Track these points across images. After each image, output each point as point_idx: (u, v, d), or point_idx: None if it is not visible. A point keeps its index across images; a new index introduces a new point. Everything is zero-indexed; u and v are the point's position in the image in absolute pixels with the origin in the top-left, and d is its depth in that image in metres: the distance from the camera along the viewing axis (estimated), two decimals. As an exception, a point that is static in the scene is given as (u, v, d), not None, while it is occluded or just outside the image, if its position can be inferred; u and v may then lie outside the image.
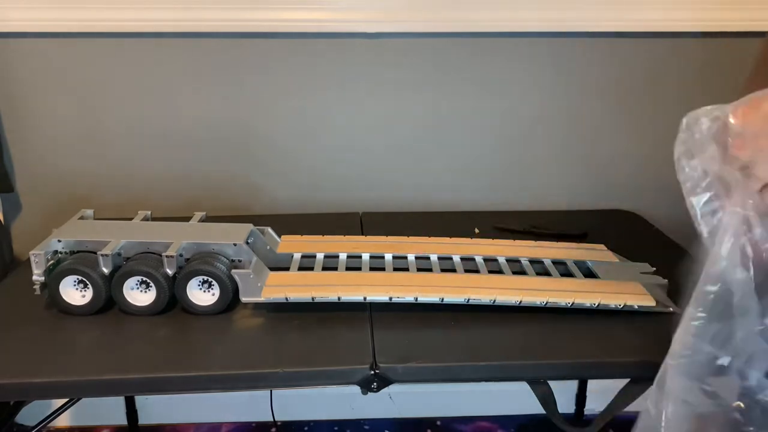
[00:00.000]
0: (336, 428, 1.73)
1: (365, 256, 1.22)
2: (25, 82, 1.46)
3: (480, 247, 1.27)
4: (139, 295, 1.08)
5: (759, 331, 0.69)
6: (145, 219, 1.26)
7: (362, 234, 1.41)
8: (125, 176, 1.54)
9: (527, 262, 1.23)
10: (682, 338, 0.73)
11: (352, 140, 1.55)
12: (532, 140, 1.57)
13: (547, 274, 1.20)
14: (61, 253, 1.12)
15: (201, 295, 1.09)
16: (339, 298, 1.07)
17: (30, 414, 1.51)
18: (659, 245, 1.40)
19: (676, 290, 1.16)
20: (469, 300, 1.07)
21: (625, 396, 1.06)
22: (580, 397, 1.76)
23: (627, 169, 1.61)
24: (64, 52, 1.45)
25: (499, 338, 1.03)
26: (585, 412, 1.77)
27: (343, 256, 1.22)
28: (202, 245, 1.12)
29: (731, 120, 0.71)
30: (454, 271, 1.18)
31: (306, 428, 1.73)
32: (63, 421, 1.72)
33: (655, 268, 1.22)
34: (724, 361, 0.72)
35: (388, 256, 1.22)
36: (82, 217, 1.23)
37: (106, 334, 1.03)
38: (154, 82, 1.48)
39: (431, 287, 1.09)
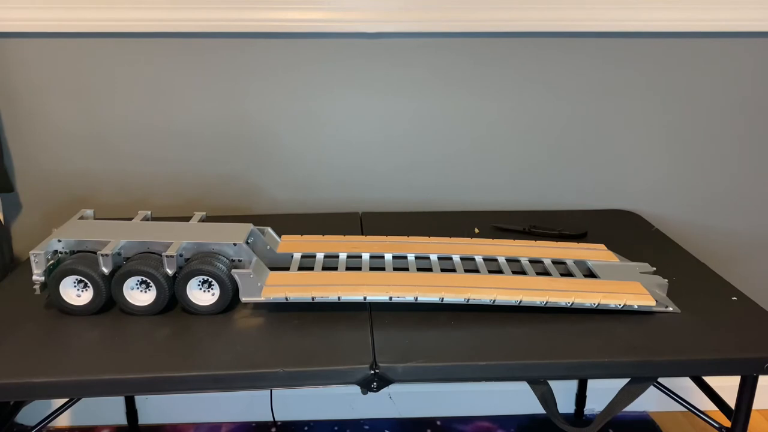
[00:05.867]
0: (336, 428, 1.73)
1: (365, 256, 1.22)
2: (25, 82, 1.46)
3: (480, 247, 1.27)
4: (139, 295, 1.08)
5: None
6: (145, 219, 1.26)
7: (362, 234, 1.41)
8: (125, 176, 1.55)
9: (527, 262, 1.23)
10: None
11: (352, 140, 1.55)
12: (532, 140, 1.57)
13: (546, 274, 1.20)
14: (61, 253, 1.12)
15: (201, 295, 1.09)
16: (339, 298, 1.07)
17: (30, 414, 1.52)
18: (659, 245, 1.40)
19: (676, 290, 1.17)
20: (469, 300, 1.07)
21: (625, 396, 1.06)
22: (580, 397, 1.76)
23: (627, 169, 1.61)
24: (64, 52, 1.45)
25: (499, 338, 1.03)
26: (585, 412, 1.77)
27: (343, 256, 1.23)
28: (202, 245, 1.12)
29: None
30: (454, 271, 1.19)
31: (306, 428, 1.73)
32: (63, 421, 1.72)
33: (655, 268, 1.22)
34: None
35: (388, 256, 1.22)
36: (82, 217, 1.23)
37: (106, 334, 1.03)
38: (154, 82, 1.49)
39: (431, 287, 1.09)
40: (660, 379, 1.30)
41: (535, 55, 1.51)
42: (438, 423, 1.76)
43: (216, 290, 1.08)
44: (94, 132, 1.51)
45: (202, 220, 1.26)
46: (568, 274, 1.21)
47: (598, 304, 1.09)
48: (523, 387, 1.05)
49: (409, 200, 1.61)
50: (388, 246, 1.26)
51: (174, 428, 1.73)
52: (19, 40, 1.43)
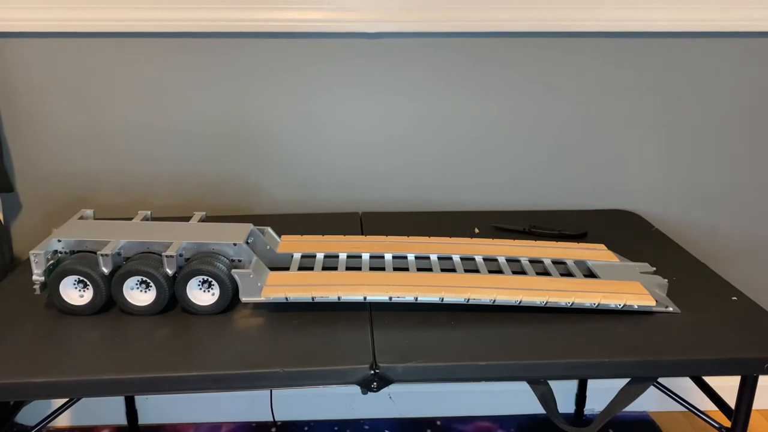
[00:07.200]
0: (336, 428, 1.73)
1: (365, 256, 1.22)
2: (25, 82, 1.46)
3: (480, 247, 1.27)
4: (139, 295, 1.08)
5: None
6: (145, 219, 1.26)
7: (362, 234, 1.41)
8: (125, 176, 1.55)
9: (527, 262, 1.23)
10: None
11: (352, 140, 1.55)
12: (532, 140, 1.57)
13: (546, 274, 1.20)
14: (61, 252, 1.12)
15: (201, 295, 1.09)
16: (339, 298, 1.07)
17: (30, 414, 1.52)
18: (659, 245, 1.40)
19: (676, 290, 1.17)
20: (469, 300, 1.07)
21: (625, 396, 1.06)
22: (580, 397, 1.76)
23: (627, 169, 1.61)
24: (64, 52, 1.45)
25: (499, 338, 1.03)
26: (585, 412, 1.77)
27: (343, 256, 1.23)
28: (202, 245, 1.12)
29: None
30: (454, 271, 1.18)
31: (306, 428, 1.73)
32: (63, 421, 1.72)
33: (655, 268, 1.22)
34: None
35: (388, 256, 1.22)
36: (82, 217, 1.23)
37: (106, 334, 1.03)
38: (154, 83, 1.49)
39: (431, 287, 1.09)
40: (660, 379, 1.30)
41: (535, 55, 1.51)
42: (438, 423, 1.76)
43: (216, 290, 1.08)
44: (94, 132, 1.51)
45: (202, 220, 1.26)
46: (568, 274, 1.21)
47: (598, 304, 1.09)
48: (523, 387, 1.05)
49: (409, 200, 1.61)
50: (388, 246, 1.26)
51: (174, 428, 1.73)
52: (19, 40, 1.43)
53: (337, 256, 1.23)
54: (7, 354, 0.98)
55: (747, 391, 1.05)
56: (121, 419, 1.70)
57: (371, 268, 1.19)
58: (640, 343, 1.01)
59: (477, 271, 1.19)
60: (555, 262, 1.24)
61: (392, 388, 0.97)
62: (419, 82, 1.52)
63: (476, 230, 1.44)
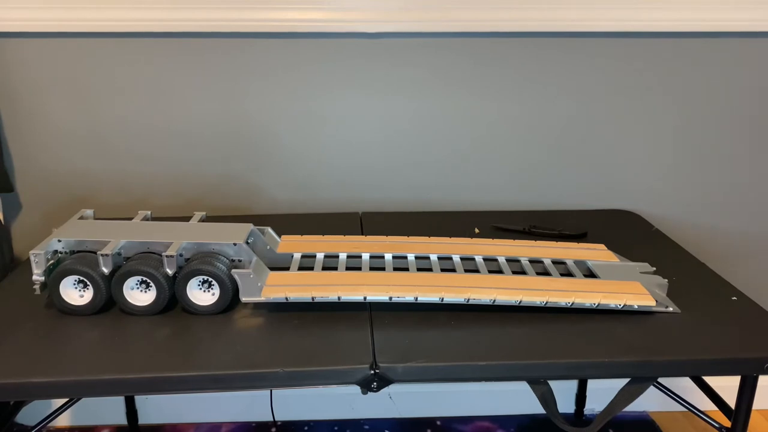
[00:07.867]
0: (336, 428, 1.73)
1: (365, 256, 1.22)
2: (25, 82, 1.46)
3: (480, 247, 1.27)
4: (139, 295, 1.08)
5: None
6: (145, 219, 1.26)
7: (362, 234, 1.41)
8: (125, 176, 1.55)
9: (527, 261, 1.23)
10: None
11: (352, 140, 1.55)
12: (532, 140, 1.57)
13: (546, 274, 1.20)
14: (61, 252, 1.12)
15: (201, 295, 1.09)
16: (339, 298, 1.07)
17: (30, 414, 1.51)
18: (659, 245, 1.40)
19: (676, 290, 1.17)
20: (469, 300, 1.07)
21: (625, 396, 1.06)
22: (580, 397, 1.76)
23: (627, 169, 1.61)
24: (64, 52, 1.45)
25: (499, 338, 1.03)
26: (585, 412, 1.77)
27: (343, 256, 1.23)
28: (202, 245, 1.12)
29: None
30: (454, 271, 1.18)
31: (306, 428, 1.73)
32: (63, 421, 1.72)
33: (655, 268, 1.22)
34: None
35: (388, 256, 1.22)
36: (82, 217, 1.23)
37: (106, 334, 1.03)
38: (154, 83, 1.49)
39: (431, 287, 1.09)
40: (660, 379, 1.30)
41: (535, 55, 1.51)
42: (438, 423, 1.76)
43: (216, 290, 1.08)
44: (94, 132, 1.51)
45: (202, 220, 1.26)
46: (568, 274, 1.21)
47: (598, 304, 1.09)
48: (523, 387, 1.05)
49: (409, 200, 1.61)
50: (388, 246, 1.26)
51: (174, 428, 1.73)
52: (19, 40, 1.43)
53: (337, 256, 1.23)
54: (7, 354, 0.98)
55: (747, 391, 1.05)
56: (121, 419, 1.70)
57: (371, 268, 1.19)
58: (640, 343, 1.01)
59: (477, 271, 1.19)
60: (555, 262, 1.24)
61: (392, 388, 0.97)
62: (419, 82, 1.52)
63: (476, 230, 1.44)
